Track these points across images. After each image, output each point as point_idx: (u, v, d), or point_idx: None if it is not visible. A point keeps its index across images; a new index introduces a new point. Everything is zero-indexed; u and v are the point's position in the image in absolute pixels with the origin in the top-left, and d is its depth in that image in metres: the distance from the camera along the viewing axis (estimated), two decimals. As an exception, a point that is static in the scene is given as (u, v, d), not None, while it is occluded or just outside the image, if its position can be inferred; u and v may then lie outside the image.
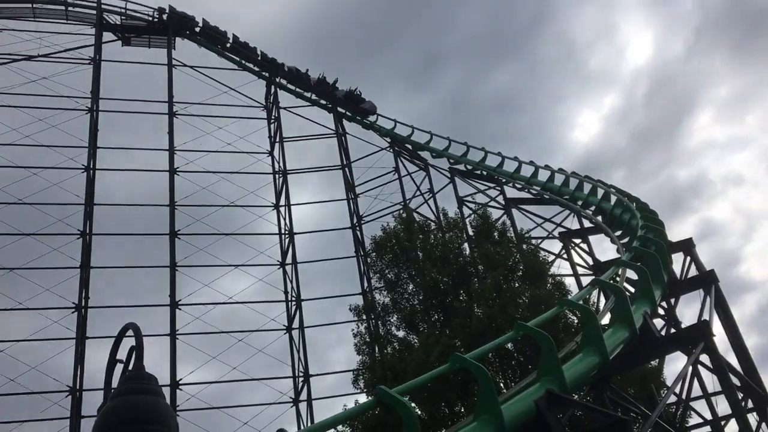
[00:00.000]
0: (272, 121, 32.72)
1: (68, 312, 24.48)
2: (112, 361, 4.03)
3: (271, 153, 32.01)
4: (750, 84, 79.57)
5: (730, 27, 72.75)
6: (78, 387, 23.15)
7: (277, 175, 31.28)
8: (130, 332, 3.84)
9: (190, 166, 29.21)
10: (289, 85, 34.03)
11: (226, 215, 29.50)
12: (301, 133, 33.03)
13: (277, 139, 31.86)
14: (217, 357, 24.92)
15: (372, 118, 33.18)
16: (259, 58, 33.15)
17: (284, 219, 29.86)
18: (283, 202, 30.28)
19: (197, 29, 32.91)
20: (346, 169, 32.07)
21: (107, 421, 3.33)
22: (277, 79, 33.52)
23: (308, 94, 33.94)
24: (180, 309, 25.83)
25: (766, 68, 79.42)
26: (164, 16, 32.08)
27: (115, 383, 3.81)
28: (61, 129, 27.71)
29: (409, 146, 32.14)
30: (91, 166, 27.74)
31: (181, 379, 24.48)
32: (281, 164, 31.07)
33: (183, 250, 27.01)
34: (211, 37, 32.96)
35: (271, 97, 33.25)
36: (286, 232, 29.57)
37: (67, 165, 27.14)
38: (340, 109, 33.49)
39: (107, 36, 31.78)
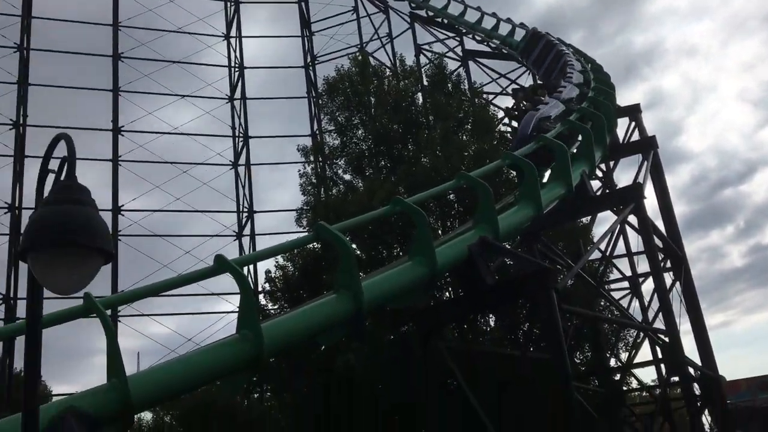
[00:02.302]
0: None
1: (5, 129, 23.75)
2: (44, 171, 3.91)
3: (223, -21, 30.15)
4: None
5: None
6: (17, 204, 22.95)
7: (228, 3, 29.70)
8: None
9: (136, -15, 27.38)
10: None
11: (173, 42, 28.26)
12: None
13: (231, -35, 29.87)
14: (160, 186, 24.87)
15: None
16: None
17: (235, 51, 28.76)
18: (234, 33, 28.99)
19: None
20: (303, 3, 30.60)
21: (35, 227, 3.28)
22: None
23: None
24: (122, 135, 25.32)
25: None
26: None
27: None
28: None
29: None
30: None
31: (123, 205, 24.49)
32: (234, -9, 29.39)
33: (126, 75, 26.03)
34: None
35: None
36: (236, 65, 28.57)
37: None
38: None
39: None
